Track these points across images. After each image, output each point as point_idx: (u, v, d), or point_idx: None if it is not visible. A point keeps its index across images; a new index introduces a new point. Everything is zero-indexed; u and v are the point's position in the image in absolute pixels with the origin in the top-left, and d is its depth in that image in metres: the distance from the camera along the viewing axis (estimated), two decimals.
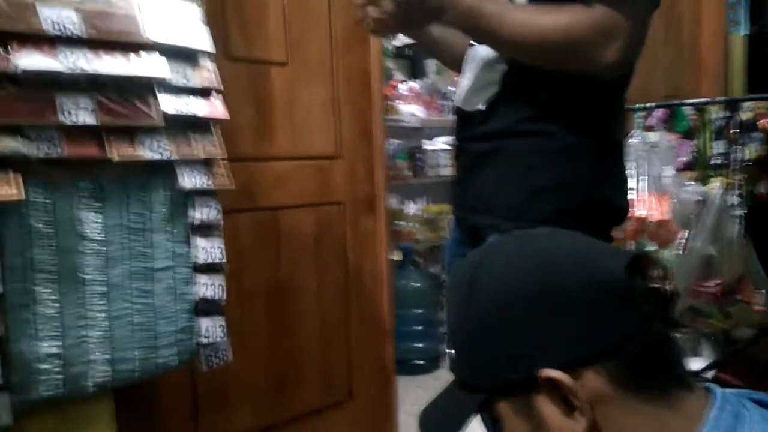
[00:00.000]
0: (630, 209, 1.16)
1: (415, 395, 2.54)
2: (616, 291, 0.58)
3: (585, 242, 0.66)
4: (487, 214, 1.11)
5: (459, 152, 1.21)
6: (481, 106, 1.09)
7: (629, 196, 1.15)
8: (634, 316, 0.58)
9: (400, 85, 3.59)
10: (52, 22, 0.99)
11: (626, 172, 1.17)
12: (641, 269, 0.62)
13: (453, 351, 0.69)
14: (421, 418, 0.71)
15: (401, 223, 3.33)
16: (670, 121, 2.38)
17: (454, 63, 1.30)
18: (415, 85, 3.61)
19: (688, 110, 2.35)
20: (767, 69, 2.90)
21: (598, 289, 0.58)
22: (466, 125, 1.15)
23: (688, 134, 2.35)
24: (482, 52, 1.10)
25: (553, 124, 1.05)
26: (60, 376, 1.02)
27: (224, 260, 1.19)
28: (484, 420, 0.91)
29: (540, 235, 0.68)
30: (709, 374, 2.14)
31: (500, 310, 0.61)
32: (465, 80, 1.16)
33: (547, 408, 0.59)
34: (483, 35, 1.04)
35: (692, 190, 2.17)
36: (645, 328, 0.58)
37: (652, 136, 2.29)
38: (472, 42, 1.16)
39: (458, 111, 1.18)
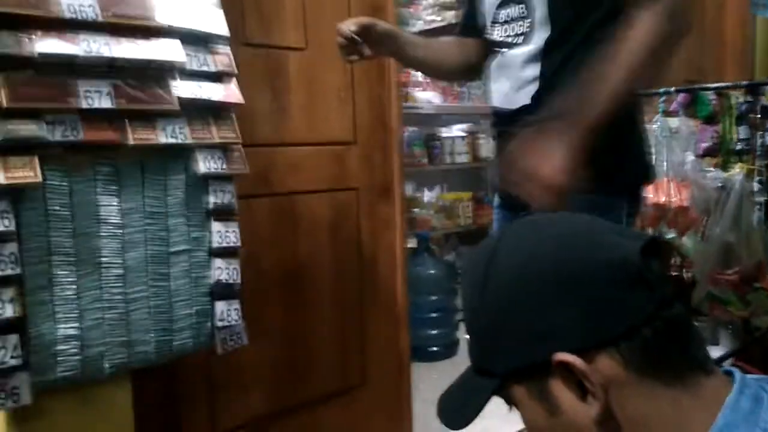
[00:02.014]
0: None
1: (430, 382, 2.55)
2: (630, 273, 0.57)
3: (601, 225, 0.65)
4: None
5: (505, 140, 1.26)
6: (526, 101, 1.19)
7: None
8: (649, 299, 0.57)
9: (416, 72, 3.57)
10: (69, 6, 1.00)
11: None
12: (658, 252, 0.61)
13: (468, 335, 0.69)
14: (438, 404, 0.71)
15: (417, 210, 3.32)
16: (692, 106, 2.34)
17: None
18: None
19: (709, 95, 2.31)
20: None
21: (611, 271, 0.57)
22: (511, 118, 1.22)
23: (710, 119, 2.31)
24: (515, 56, 1.21)
25: None
26: (77, 358, 1.03)
27: (239, 244, 1.19)
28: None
29: (556, 218, 0.68)
30: (728, 362, 2.11)
31: (514, 294, 0.60)
32: (499, 85, 1.26)
33: (561, 392, 0.58)
34: (625, 97, 1.09)
35: (713, 176, 2.14)
36: (661, 311, 0.57)
37: (673, 122, 2.26)
38: (498, 49, 1.26)
39: (499, 111, 1.28)
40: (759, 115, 2.24)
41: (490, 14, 1.28)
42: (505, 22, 1.23)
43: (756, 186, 2.16)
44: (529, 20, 1.18)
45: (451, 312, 3.05)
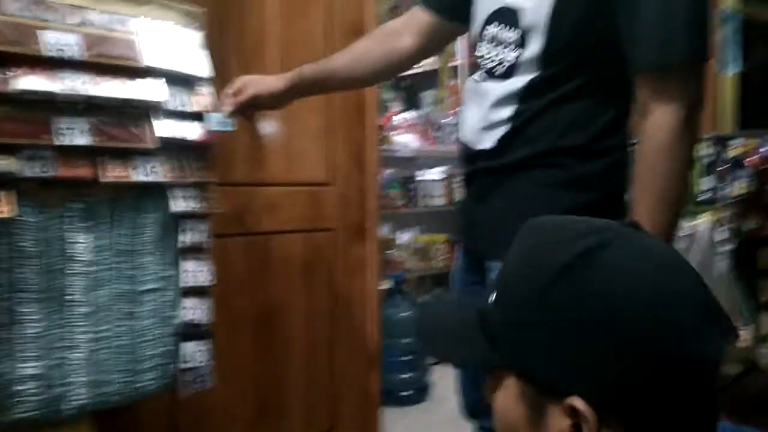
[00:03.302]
0: None
1: (401, 427, 2.51)
2: (700, 379, 0.54)
3: (704, 296, 0.57)
4: (493, 243, 1.10)
5: (468, 182, 1.22)
6: (491, 145, 1.11)
7: None
8: (691, 393, 0.54)
9: (395, 116, 3.63)
10: (51, 45, 1.01)
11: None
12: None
13: (498, 303, 0.61)
14: (421, 318, 0.67)
15: (392, 252, 3.33)
16: None
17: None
18: (410, 115, 3.65)
19: None
20: (757, 106, 2.96)
21: (683, 370, 0.53)
22: (475, 159, 1.16)
23: None
24: (492, 90, 1.11)
25: (565, 157, 1.07)
26: (38, 398, 1.00)
27: (212, 283, 1.19)
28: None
29: (668, 255, 0.59)
30: None
31: (581, 317, 0.54)
32: (471, 115, 1.16)
33: (557, 421, 0.55)
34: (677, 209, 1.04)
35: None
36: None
37: None
38: (476, 78, 1.17)
39: (464, 145, 1.19)
40: (726, 165, 2.32)
41: (480, 23, 1.14)
42: (493, 40, 1.10)
43: (723, 235, 2.22)
44: (518, 51, 1.06)
45: (423, 356, 3.02)
